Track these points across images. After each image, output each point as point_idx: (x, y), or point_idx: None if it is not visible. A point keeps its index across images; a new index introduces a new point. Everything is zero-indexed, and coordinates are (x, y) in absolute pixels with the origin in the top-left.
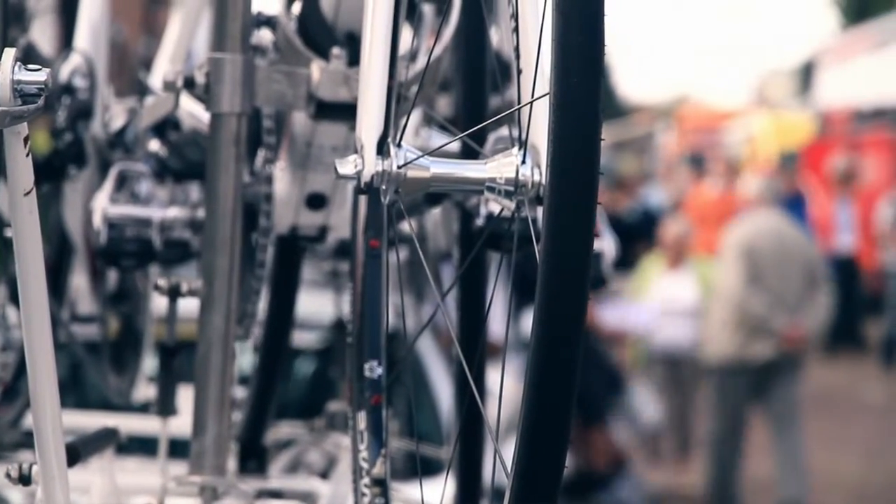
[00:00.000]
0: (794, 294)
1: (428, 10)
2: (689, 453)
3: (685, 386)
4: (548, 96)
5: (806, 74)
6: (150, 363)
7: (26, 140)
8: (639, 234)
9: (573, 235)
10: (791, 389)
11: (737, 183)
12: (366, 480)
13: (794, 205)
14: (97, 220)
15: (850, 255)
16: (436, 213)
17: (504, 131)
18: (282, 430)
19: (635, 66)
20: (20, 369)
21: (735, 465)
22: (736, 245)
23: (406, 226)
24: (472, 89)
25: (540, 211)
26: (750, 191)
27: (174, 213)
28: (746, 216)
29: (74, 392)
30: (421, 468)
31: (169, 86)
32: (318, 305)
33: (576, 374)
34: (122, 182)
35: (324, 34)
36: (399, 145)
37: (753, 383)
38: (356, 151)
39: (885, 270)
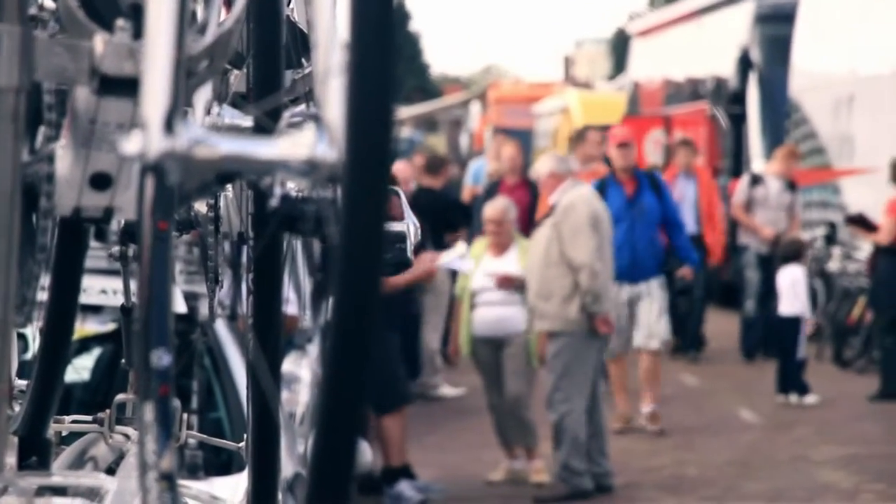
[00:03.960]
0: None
1: None
2: (535, 440)
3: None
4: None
5: (619, 49)
6: None
7: None
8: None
9: (367, 216)
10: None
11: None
12: (153, 475)
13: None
14: None
15: (699, 235)
16: (229, 192)
17: (300, 108)
18: (66, 423)
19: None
20: None
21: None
22: (585, 217)
23: (197, 206)
24: (265, 64)
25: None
26: (544, 168)
27: None
28: (569, 189)
29: None
30: (217, 463)
31: None
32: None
33: (369, 360)
34: None
35: (108, 5)
36: (187, 122)
37: (601, 347)
38: (141, 129)
39: (739, 246)
